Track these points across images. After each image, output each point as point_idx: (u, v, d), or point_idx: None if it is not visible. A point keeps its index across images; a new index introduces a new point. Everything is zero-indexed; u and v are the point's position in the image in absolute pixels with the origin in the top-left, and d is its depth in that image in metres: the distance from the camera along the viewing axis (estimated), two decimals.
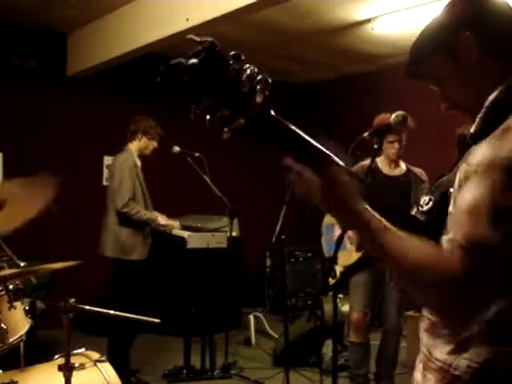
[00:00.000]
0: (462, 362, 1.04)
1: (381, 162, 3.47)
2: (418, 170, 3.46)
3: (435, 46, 1.19)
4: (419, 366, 1.19)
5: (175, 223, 4.44)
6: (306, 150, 1.04)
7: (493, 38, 1.15)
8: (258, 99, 0.90)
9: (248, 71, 0.88)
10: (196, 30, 4.31)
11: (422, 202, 1.19)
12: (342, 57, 6.26)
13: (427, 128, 6.17)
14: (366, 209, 1.02)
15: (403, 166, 3.48)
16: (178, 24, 4.30)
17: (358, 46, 5.79)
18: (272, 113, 0.95)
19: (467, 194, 0.98)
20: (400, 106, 3.19)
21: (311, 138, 1.05)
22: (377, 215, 1.02)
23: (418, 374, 1.20)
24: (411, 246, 0.99)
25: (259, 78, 0.90)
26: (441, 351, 1.09)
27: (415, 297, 1.06)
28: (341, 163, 1.05)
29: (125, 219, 3.99)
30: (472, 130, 1.15)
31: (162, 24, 4.48)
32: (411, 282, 1.01)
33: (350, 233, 3.36)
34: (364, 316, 3.39)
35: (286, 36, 5.55)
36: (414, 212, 1.18)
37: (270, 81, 0.91)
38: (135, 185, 4.06)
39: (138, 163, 4.15)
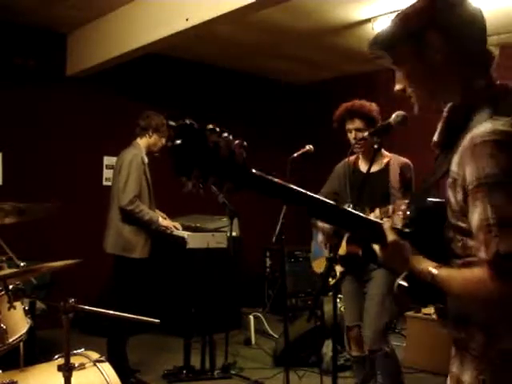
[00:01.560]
0: (496, 350, 1.18)
1: (360, 158, 3.28)
2: (403, 162, 3.17)
3: (404, 35, 1.25)
4: (455, 360, 1.30)
5: (176, 224, 4.42)
6: (363, 228, 1.25)
7: (461, 45, 1.21)
8: (238, 161, 1.04)
9: (225, 139, 1.03)
10: (196, 29, 4.31)
11: (401, 214, 1.31)
12: (342, 57, 6.26)
13: (427, 128, 6.18)
14: (417, 260, 1.23)
15: (384, 159, 3.19)
16: (178, 24, 4.30)
17: (357, 46, 5.78)
18: (253, 171, 1.08)
19: (473, 215, 1.13)
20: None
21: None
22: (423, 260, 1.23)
23: (454, 366, 1.30)
24: (457, 282, 1.18)
25: (236, 142, 1.04)
26: (477, 343, 1.22)
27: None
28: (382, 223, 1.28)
29: (128, 216, 3.98)
30: (435, 138, 1.28)
31: (162, 24, 4.48)
32: (473, 307, 1.21)
33: (320, 238, 3.29)
34: (358, 329, 3.21)
35: (286, 36, 5.54)
36: (399, 225, 1.29)
37: (245, 143, 1.05)
38: (142, 182, 4.03)
39: (146, 160, 4.13)
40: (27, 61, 5.38)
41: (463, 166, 1.15)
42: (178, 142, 1.00)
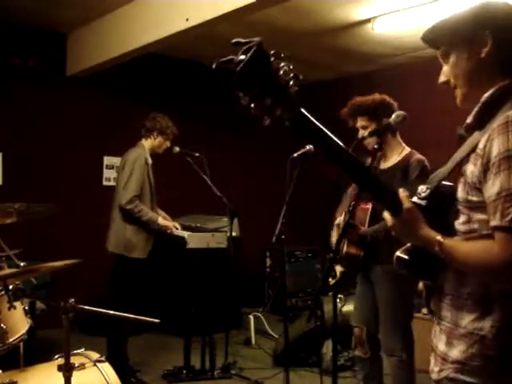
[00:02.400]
0: (486, 323, 1.25)
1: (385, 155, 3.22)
2: (414, 158, 3.03)
3: (460, 32, 1.37)
4: (441, 337, 1.36)
5: (176, 224, 4.40)
6: (379, 192, 1.32)
7: (506, 44, 1.33)
8: (292, 90, 1.10)
9: (284, 68, 1.09)
10: (196, 29, 4.31)
11: (419, 191, 1.37)
12: (342, 57, 6.26)
13: (427, 128, 6.18)
14: (428, 229, 1.30)
15: (397, 156, 3.10)
16: (178, 24, 4.30)
17: (357, 45, 5.79)
18: (302, 110, 1.16)
19: (492, 185, 1.20)
20: (400, 106, 3.19)
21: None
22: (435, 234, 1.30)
23: (440, 345, 1.36)
24: (465, 250, 1.26)
25: (292, 74, 1.11)
26: (467, 319, 1.28)
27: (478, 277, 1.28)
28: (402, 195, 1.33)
29: (129, 216, 3.98)
30: (469, 120, 1.36)
31: (161, 24, 4.48)
32: (478, 276, 1.27)
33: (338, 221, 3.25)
34: (360, 331, 3.19)
35: (286, 36, 5.54)
36: (414, 199, 1.35)
37: (300, 77, 1.13)
38: (144, 182, 4.03)
39: (150, 161, 4.13)
40: (27, 61, 5.38)
41: (491, 142, 1.21)
42: (243, 57, 1.03)
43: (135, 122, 4.23)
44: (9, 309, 2.19)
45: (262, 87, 1.04)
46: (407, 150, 3.13)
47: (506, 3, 1.35)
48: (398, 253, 1.38)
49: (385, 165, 3.14)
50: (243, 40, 1.05)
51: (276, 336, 5.07)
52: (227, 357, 4.34)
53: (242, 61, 1.03)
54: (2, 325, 2.20)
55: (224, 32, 5.28)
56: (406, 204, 1.31)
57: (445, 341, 1.33)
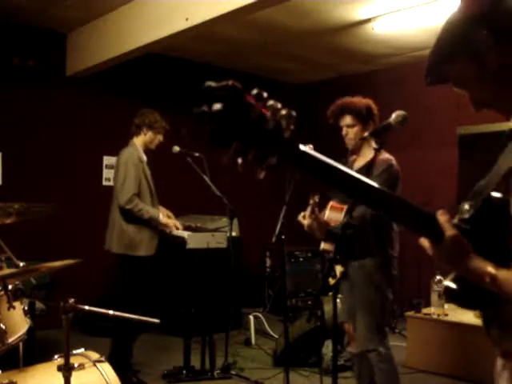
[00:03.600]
0: None
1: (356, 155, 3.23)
2: (382, 158, 2.99)
3: (455, 48, 1.18)
4: (505, 375, 1.19)
5: (177, 223, 4.36)
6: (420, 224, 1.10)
7: (510, 35, 1.13)
8: (286, 135, 0.90)
9: (271, 108, 0.88)
10: (196, 29, 4.31)
11: (462, 210, 1.17)
12: (342, 57, 6.26)
13: (427, 128, 6.18)
14: (476, 259, 1.10)
15: (369, 156, 3.01)
16: (178, 24, 4.30)
17: (357, 46, 5.79)
18: (302, 147, 0.94)
19: None
20: (400, 105, 3.19)
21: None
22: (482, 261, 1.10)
23: (501, 382, 1.20)
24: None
25: (283, 113, 0.90)
26: None
27: None
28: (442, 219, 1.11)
29: (130, 215, 3.97)
30: None
31: (161, 24, 4.48)
32: None
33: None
34: (349, 326, 3.18)
35: (286, 36, 5.54)
36: (455, 221, 1.15)
37: (294, 114, 0.91)
38: (140, 180, 4.02)
39: (144, 158, 4.11)
40: (26, 61, 5.37)
41: None
42: (218, 106, 0.83)
43: (132, 121, 4.22)
44: (8, 309, 2.19)
45: (245, 141, 0.86)
46: (372, 153, 3.00)
47: None
48: (446, 281, 1.20)
49: (357, 163, 3.16)
50: (215, 84, 0.85)
51: (276, 336, 5.06)
52: (227, 357, 4.34)
53: (214, 114, 0.84)
54: (2, 325, 2.20)
55: (224, 32, 5.31)
56: (449, 232, 1.07)
57: (509, 379, 1.17)
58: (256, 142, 0.87)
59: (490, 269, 1.07)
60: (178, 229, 4.33)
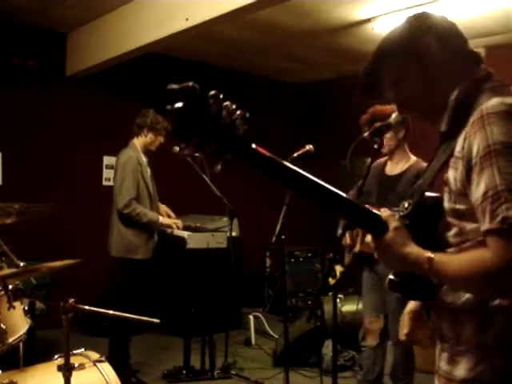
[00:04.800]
0: (489, 335, 1.16)
1: (389, 160, 3.36)
2: (422, 166, 3.17)
3: (401, 49, 1.32)
4: (443, 356, 1.27)
5: (178, 223, 4.34)
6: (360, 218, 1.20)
7: (449, 43, 1.29)
8: (239, 133, 0.99)
9: (226, 108, 0.98)
10: (196, 29, 4.31)
11: (400, 208, 1.28)
12: (342, 57, 6.26)
13: (427, 128, 6.18)
14: (416, 247, 1.19)
15: (408, 162, 3.26)
16: (178, 24, 4.29)
17: (357, 46, 5.78)
18: (253, 146, 1.04)
19: (477, 187, 1.10)
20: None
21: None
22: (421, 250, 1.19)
23: (442, 364, 1.27)
24: (456, 264, 1.15)
25: (238, 113, 0.99)
26: (468, 333, 1.20)
27: (471, 293, 1.19)
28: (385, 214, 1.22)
29: (128, 219, 3.96)
30: (443, 128, 1.27)
31: (161, 24, 4.48)
32: (474, 290, 1.17)
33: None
34: (373, 321, 3.29)
35: (286, 36, 5.54)
36: (396, 217, 1.25)
37: (247, 115, 1.01)
38: (139, 184, 4.00)
39: (144, 159, 4.09)
40: (26, 61, 5.37)
41: (469, 141, 1.13)
42: (179, 105, 0.95)
43: (134, 123, 4.22)
44: (8, 309, 2.19)
45: (202, 135, 0.96)
46: (414, 158, 3.27)
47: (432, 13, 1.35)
48: (389, 276, 1.30)
49: (392, 171, 3.25)
50: (176, 86, 0.96)
51: (276, 336, 5.06)
52: (227, 357, 4.34)
53: (176, 110, 0.95)
54: (2, 325, 2.20)
55: (224, 32, 5.31)
56: (393, 223, 1.19)
57: (447, 359, 1.25)
58: (212, 137, 0.97)
59: (429, 254, 1.16)
60: (178, 228, 4.32)
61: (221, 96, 0.97)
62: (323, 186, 1.15)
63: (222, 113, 0.97)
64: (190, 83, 0.95)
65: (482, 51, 1.35)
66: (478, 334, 1.17)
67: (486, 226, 1.09)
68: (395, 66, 1.33)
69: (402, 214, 1.26)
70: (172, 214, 4.39)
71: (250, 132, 1.02)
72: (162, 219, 4.16)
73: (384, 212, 1.22)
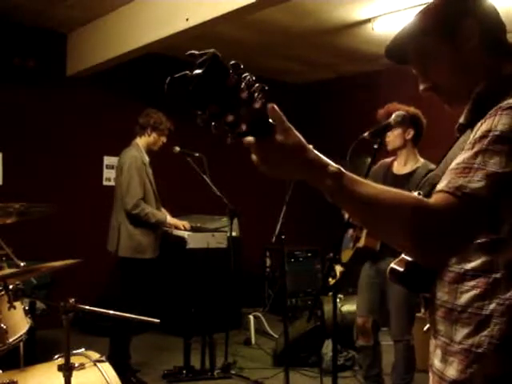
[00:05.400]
0: (483, 339, 1.11)
1: (396, 160, 3.40)
2: (431, 167, 3.22)
3: (436, 26, 1.23)
4: (437, 352, 1.23)
5: (185, 224, 4.39)
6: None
7: (491, 33, 1.21)
8: (257, 105, 0.95)
9: (246, 79, 0.94)
10: (196, 29, 4.31)
11: None
12: (342, 57, 6.26)
13: (427, 128, 6.18)
14: (321, 159, 1.02)
15: (417, 163, 3.31)
16: (178, 24, 4.30)
17: (357, 45, 5.79)
18: (271, 121, 0.98)
19: (460, 156, 1.06)
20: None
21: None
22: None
23: (436, 361, 1.24)
24: (376, 191, 1.01)
25: (257, 85, 0.95)
26: (461, 334, 1.15)
27: (388, 237, 1.07)
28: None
29: (136, 219, 3.97)
30: (462, 119, 1.22)
31: (161, 24, 4.48)
32: (385, 220, 1.01)
33: (351, 231, 3.39)
34: (366, 321, 3.35)
35: (286, 36, 5.54)
36: None
37: (266, 88, 0.97)
38: (145, 184, 4.01)
39: (147, 159, 4.10)
40: (27, 61, 5.37)
41: (479, 127, 1.08)
42: (198, 71, 0.92)
43: (135, 122, 4.22)
44: (9, 309, 2.19)
45: (220, 105, 0.92)
46: (422, 160, 3.34)
47: None
48: (392, 264, 1.27)
49: (400, 170, 3.28)
50: (197, 52, 0.94)
51: (276, 336, 5.07)
52: (227, 357, 4.34)
53: (195, 76, 0.92)
54: (2, 325, 2.20)
55: (224, 32, 5.31)
56: (284, 124, 1.00)
57: (440, 357, 1.22)
58: (230, 107, 0.93)
59: (338, 166, 1.00)
60: (186, 229, 4.36)
61: (241, 66, 0.94)
62: None
63: (241, 83, 0.93)
64: (212, 50, 0.93)
65: None
66: (472, 336, 1.14)
67: (439, 186, 1.03)
68: (427, 40, 1.25)
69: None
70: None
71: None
72: (170, 219, 4.18)
73: (272, 106, 1.01)
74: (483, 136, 1.04)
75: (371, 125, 3.16)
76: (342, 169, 1.01)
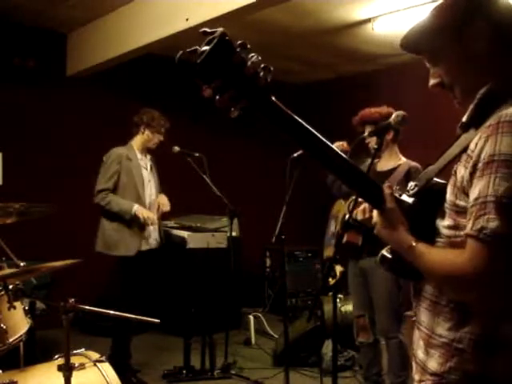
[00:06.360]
0: (464, 335, 1.16)
1: (380, 159, 3.45)
2: (412, 164, 3.34)
3: (446, 25, 1.25)
4: (420, 344, 1.28)
5: (151, 219, 3.97)
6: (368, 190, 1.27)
7: (501, 36, 1.23)
8: (261, 83, 1.03)
9: (252, 58, 1.02)
10: (196, 29, 4.30)
11: (408, 187, 1.31)
12: (342, 57, 6.26)
13: (427, 128, 6.18)
14: (404, 232, 1.23)
15: (398, 161, 3.38)
16: (178, 24, 4.30)
17: (357, 45, 5.79)
18: (273, 99, 1.06)
19: (473, 190, 1.12)
20: (400, 106, 3.19)
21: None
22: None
23: (419, 352, 1.29)
24: (433, 257, 1.18)
25: (262, 65, 1.03)
26: (442, 328, 1.21)
27: (445, 288, 1.21)
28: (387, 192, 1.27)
29: (108, 213, 3.94)
30: (464, 118, 1.26)
31: (161, 24, 4.48)
32: (444, 287, 1.20)
33: (332, 228, 3.43)
34: (363, 318, 3.40)
35: (286, 36, 5.54)
36: (402, 196, 1.30)
37: (271, 69, 1.04)
38: (120, 177, 3.98)
39: (138, 157, 4.08)
40: (27, 61, 5.37)
41: (481, 143, 1.13)
42: (207, 47, 0.99)
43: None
44: (9, 309, 2.19)
45: (224, 79, 1.00)
46: (404, 159, 3.40)
47: None
48: (383, 251, 1.34)
49: (383, 168, 3.32)
50: (209, 30, 1.01)
51: (276, 336, 5.07)
52: (227, 357, 4.34)
53: (203, 52, 0.99)
54: (2, 325, 2.20)
55: None
56: (389, 204, 1.25)
57: (423, 348, 1.27)
58: (234, 83, 1.00)
59: (412, 241, 1.20)
60: (147, 225, 4.00)
61: (248, 46, 1.01)
62: (336, 152, 1.18)
63: (246, 61, 1.00)
64: (221, 28, 1.00)
65: None
66: (453, 330, 1.18)
67: (467, 229, 1.12)
68: (437, 37, 1.27)
69: (406, 193, 1.30)
70: (166, 205, 4.14)
71: (270, 84, 1.05)
72: (137, 210, 3.89)
73: (386, 189, 1.26)
74: (489, 162, 1.10)
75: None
76: (413, 244, 1.20)
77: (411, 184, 1.31)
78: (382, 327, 3.32)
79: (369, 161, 3.41)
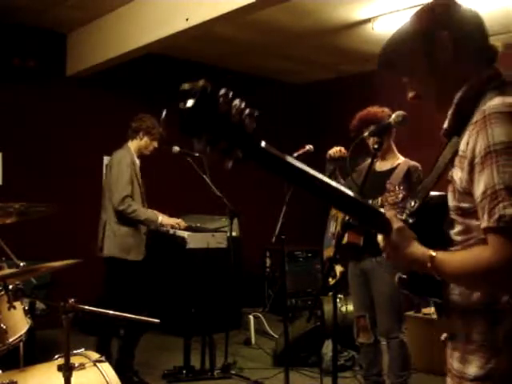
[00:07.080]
0: (498, 334, 1.17)
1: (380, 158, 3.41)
2: (412, 164, 3.32)
3: (413, 41, 1.32)
4: (455, 355, 1.28)
5: (180, 222, 4.23)
6: (370, 218, 1.25)
7: (465, 42, 1.28)
8: (248, 130, 1.01)
9: (236, 106, 1.00)
10: (196, 29, 4.31)
11: (407, 206, 1.32)
12: (342, 57, 6.26)
13: (427, 128, 6.18)
14: (419, 246, 1.23)
15: (397, 160, 3.34)
16: (178, 24, 4.30)
17: (357, 45, 5.79)
18: (263, 144, 1.04)
19: (478, 185, 1.13)
20: (400, 105, 3.19)
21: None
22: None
23: (455, 363, 1.28)
24: (457, 261, 1.18)
25: (247, 111, 1.01)
26: (477, 332, 1.21)
27: (474, 289, 1.21)
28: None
29: (123, 218, 3.92)
30: (445, 125, 1.30)
31: (161, 24, 4.48)
32: (474, 286, 1.21)
33: (332, 229, 3.42)
34: (363, 319, 3.38)
35: (286, 36, 5.54)
36: (403, 217, 1.30)
37: (256, 113, 1.03)
38: (133, 183, 3.98)
39: (137, 162, 4.09)
40: (27, 61, 5.38)
41: (473, 140, 1.15)
42: (190, 103, 0.97)
43: (128, 124, 4.21)
44: (9, 309, 2.19)
45: (212, 133, 0.98)
46: (402, 158, 3.36)
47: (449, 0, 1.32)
48: (398, 273, 1.33)
49: (381, 167, 3.29)
50: (187, 86, 0.99)
51: (276, 336, 5.07)
52: (227, 357, 4.34)
53: (186, 109, 0.97)
54: (2, 325, 2.20)
55: (224, 32, 5.31)
56: (395, 224, 1.24)
57: (459, 358, 1.26)
58: (222, 134, 0.99)
59: (431, 252, 1.20)
60: (180, 227, 4.23)
61: (230, 94, 1.00)
62: (333, 186, 1.17)
63: (231, 111, 0.99)
64: (201, 82, 0.98)
65: (501, 46, 1.34)
66: (488, 332, 1.19)
67: (484, 223, 1.11)
68: (406, 57, 1.34)
69: (407, 212, 1.30)
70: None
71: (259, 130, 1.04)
72: (163, 218, 4.09)
73: (388, 212, 1.26)
74: (486, 154, 1.11)
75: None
76: (433, 253, 1.19)
77: (410, 202, 1.32)
78: (384, 328, 3.30)
79: (369, 160, 3.42)
